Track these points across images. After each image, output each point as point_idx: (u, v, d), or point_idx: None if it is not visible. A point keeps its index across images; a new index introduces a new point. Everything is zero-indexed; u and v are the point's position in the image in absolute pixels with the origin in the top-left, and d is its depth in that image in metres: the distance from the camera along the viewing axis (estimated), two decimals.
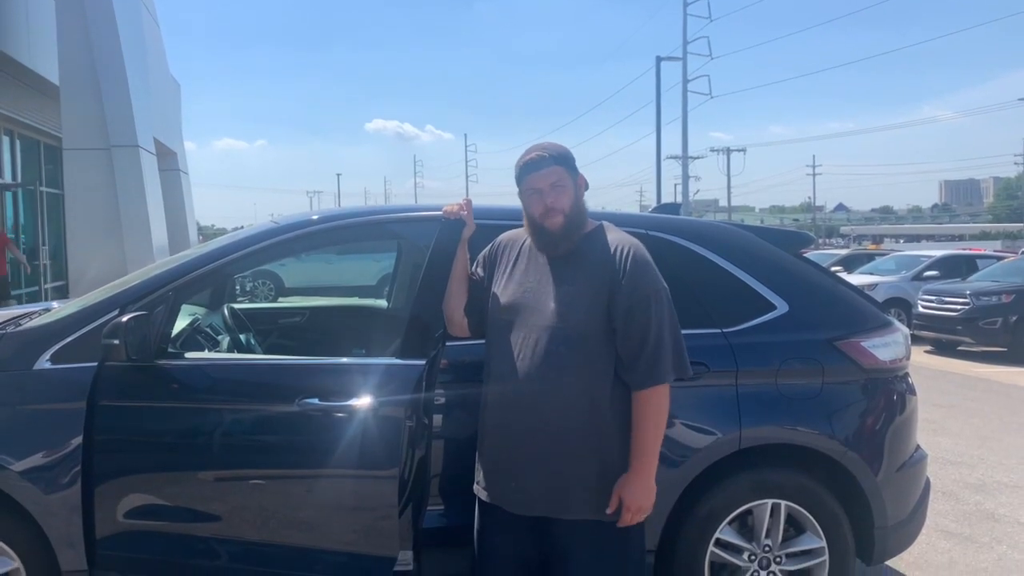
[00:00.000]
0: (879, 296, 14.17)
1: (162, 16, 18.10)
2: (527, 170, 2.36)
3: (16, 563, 2.68)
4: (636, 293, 2.27)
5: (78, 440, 2.62)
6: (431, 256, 2.68)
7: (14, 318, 3.31)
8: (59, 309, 3.14)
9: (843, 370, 3.11)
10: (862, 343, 3.15)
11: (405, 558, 2.78)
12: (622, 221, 3.14)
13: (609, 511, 2.29)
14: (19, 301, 12.89)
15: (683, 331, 2.95)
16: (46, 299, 13.99)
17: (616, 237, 2.39)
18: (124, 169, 11.63)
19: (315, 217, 3.10)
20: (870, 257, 18.76)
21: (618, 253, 2.32)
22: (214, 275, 2.96)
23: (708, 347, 3.02)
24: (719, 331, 3.07)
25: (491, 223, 2.73)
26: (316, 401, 2.58)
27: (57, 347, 2.73)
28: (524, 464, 2.31)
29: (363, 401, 2.57)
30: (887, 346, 3.21)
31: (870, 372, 3.15)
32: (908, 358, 3.33)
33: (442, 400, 2.85)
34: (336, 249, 17.11)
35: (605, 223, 2.45)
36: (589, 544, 2.31)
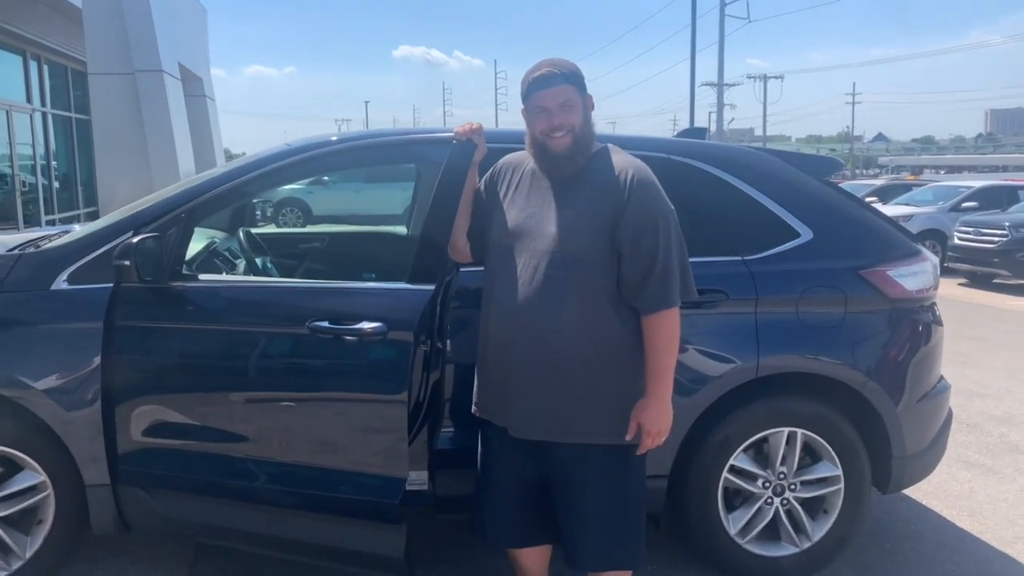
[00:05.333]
0: (914, 227, 13.81)
1: None
2: (536, 87, 2.27)
3: (42, 476, 2.76)
4: (642, 217, 2.21)
5: (97, 359, 2.67)
6: (441, 179, 2.62)
7: (34, 240, 3.34)
8: (77, 231, 3.15)
9: (867, 299, 3.04)
10: (888, 272, 3.06)
11: (420, 478, 2.83)
12: (641, 145, 3.08)
13: (628, 437, 2.28)
14: (54, 226, 13.08)
15: (703, 258, 2.94)
16: (81, 223, 14.17)
17: (621, 159, 2.31)
18: (149, 94, 11.59)
19: (334, 138, 3.05)
20: (907, 188, 18.27)
21: (623, 176, 2.25)
22: (228, 197, 2.93)
23: (728, 274, 2.97)
24: (739, 258, 3.00)
25: (505, 147, 2.65)
26: (326, 324, 2.58)
27: (73, 268, 2.75)
28: (524, 389, 2.30)
29: (372, 325, 2.55)
30: (914, 275, 3.12)
31: (895, 301, 3.08)
32: (936, 288, 3.25)
33: (456, 325, 2.84)
34: (364, 177, 17.18)
35: (610, 145, 2.37)
36: (589, 468, 2.32)
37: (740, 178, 3.10)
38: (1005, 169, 52.60)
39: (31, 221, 13.22)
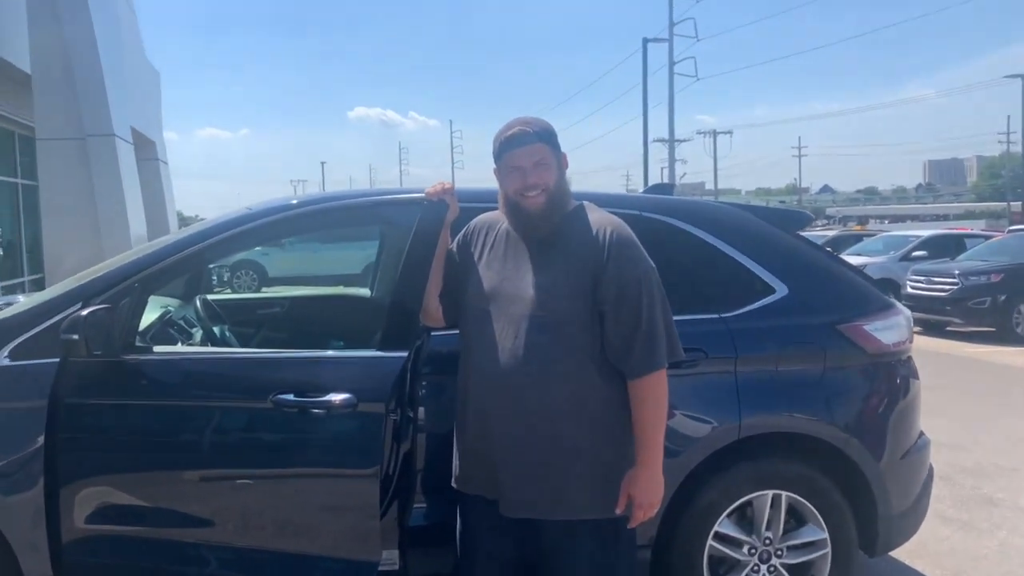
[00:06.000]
0: None
1: (138, 2, 17.74)
2: (509, 145, 2.20)
3: None
4: (624, 277, 2.13)
5: (40, 440, 2.47)
6: (412, 241, 2.51)
7: None
8: (21, 303, 2.97)
9: (845, 354, 3.00)
10: (864, 326, 3.03)
11: (391, 557, 2.65)
12: (615, 202, 3.01)
13: (618, 510, 2.17)
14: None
15: (680, 316, 2.86)
16: (26, 292, 13.72)
17: (598, 217, 2.24)
18: (100, 159, 11.33)
19: (294, 202, 2.93)
20: (858, 238, 18.75)
21: (600, 234, 2.17)
22: (183, 265, 2.78)
23: (706, 332, 2.90)
24: (717, 316, 2.94)
25: (478, 207, 2.56)
26: (291, 397, 2.43)
27: (16, 342, 2.57)
28: (508, 463, 2.18)
29: (340, 397, 2.41)
30: (890, 329, 3.09)
31: (873, 356, 3.04)
32: (911, 341, 3.23)
33: (427, 392, 2.71)
34: (320, 238, 17.04)
35: (586, 203, 2.30)
36: (578, 544, 2.20)
37: (713, 234, 3.06)
38: (946, 218, 54.56)
39: None
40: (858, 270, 3.32)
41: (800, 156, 75.63)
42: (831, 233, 21.61)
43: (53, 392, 2.49)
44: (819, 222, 65.52)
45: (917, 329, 12.31)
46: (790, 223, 3.28)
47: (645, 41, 29.57)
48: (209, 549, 2.51)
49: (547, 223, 2.20)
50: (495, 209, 2.37)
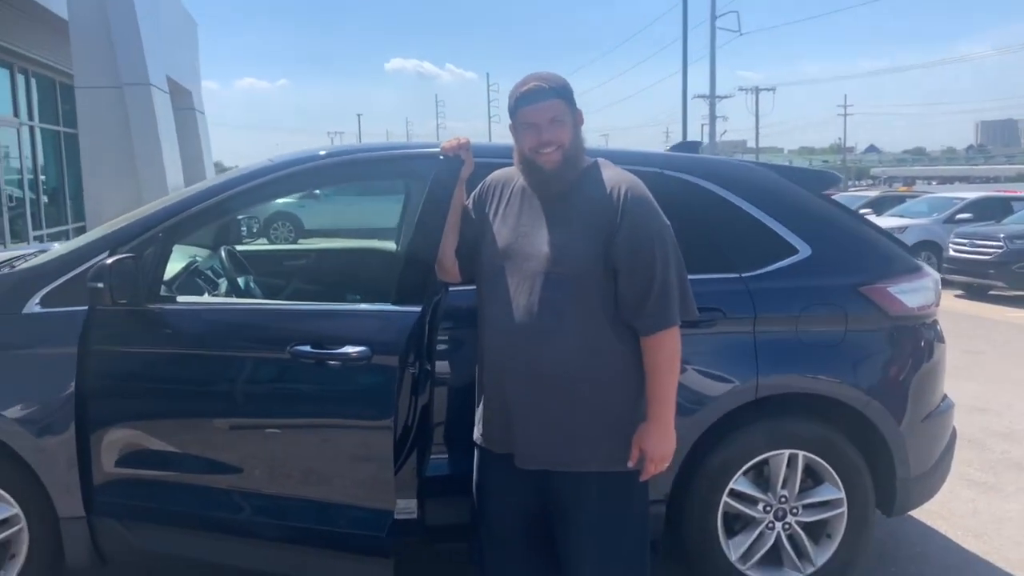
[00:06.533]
0: (909, 239, 13.79)
1: None
2: (524, 101, 2.17)
3: (15, 508, 2.65)
4: (638, 234, 2.12)
5: (70, 386, 2.56)
6: (427, 197, 2.52)
7: (8, 260, 3.23)
8: (54, 251, 3.05)
9: (868, 317, 2.95)
10: (888, 288, 2.98)
11: (409, 506, 2.72)
12: (637, 160, 2.99)
13: (631, 464, 2.19)
14: (43, 242, 12.97)
15: (699, 275, 2.85)
16: (70, 239, 14.04)
17: (612, 174, 2.22)
18: (136, 107, 11.47)
19: (322, 152, 2.95)
20: (901, 199, 18.26)
21: (614, 192, 2.15)
22: (208, 214, 2.82)
23: (725, 292, 2.88)
24: (737, 275, 2.91)
25: (494, 162, 2.55)
26: (308, 348, 2.47)
27: (47, 290, 2.64)
28: (523, 416, 2.21)
29: (356, 349, 2.45)
30: (915, 292, 3.04)
31: (896, 319, 2.99)
32: (937, 304, 3.17)
33: (445, 346, 2.74)
34: (357, 190, 17.14)
35: (600, 160, 2.27)
36: (591, 496, 2.22)
37: (736, 193, 3.01)
38: (996, 180, 52.82)
39: (19, 236, 13.08)
40: (885, 232, 3.24)
41: (845, 115, 73.77)
42: (872, 194, 21.05)
43: (82, 339, 2.57)
44: (863, 182, 64.01)
45: (959, 292, 12.23)
46: (816, 183, 3.21)
47: None
48: (231, 493, 2.59)
49: (561, 180, 2.19)
50: (511, 165, 2.35)
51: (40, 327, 2.62)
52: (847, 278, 2.97)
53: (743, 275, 2.92)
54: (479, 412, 2.37)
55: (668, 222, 2.19)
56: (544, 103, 2.16)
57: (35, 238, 13.37)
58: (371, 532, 2.47)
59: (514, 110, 2.21)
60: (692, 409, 2.81)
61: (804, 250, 2.98)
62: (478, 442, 2.38)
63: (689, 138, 30.16)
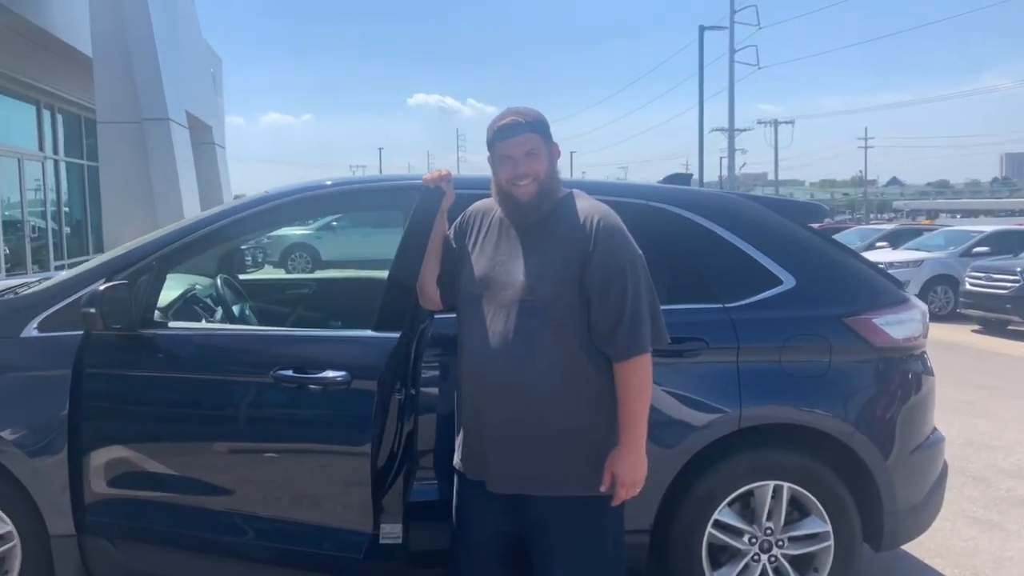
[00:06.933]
0: (924, 273, 13.74)
1: None
2: (501, 135, 2.25)
3: (9, 526, 2.73)
4: (610, 263, 2.17)
5: (64, 407, 2.64)
6: (408, 226, 2.62)
7: (14, 287, 3.33)
8: (54, 278, 3.14)
9: (852, 348, 2.96)
10: (873, 320, 2.99)
11: (394, 531, 2.75)
12: (624, 192, 3.07)
13: (603, 488, 2.21)
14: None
15: (683, 305, 2.89)
16: None
17: (585, 205, 2.28)
18: (155, 142, 11.79)
19: (329, 182, 3.04)
20: (918, 232, 18.14)
21: (587, 222, 2.21)
22: (199, 244, 2.92)
23: (708, 322, 2.91)
24: (720, 306, 2.94)
25: (475, 193, 2.62)
26: (290, 373, 2.54)
27: (44, 315, 2.74)
28: (499, 441, 2.24)
29: (336, 374, 2.52)
30: (901, 323, 3.05)
31: (882, 350, 3.00)
32: (925, 336, 3.17)
33: (431, 373, 2.78)
34: (372, 222, 17.30)
35: (575, 191, 2.34)
36: (564, 521, 2.24)
37: (720, 224, 3.05)
38: (1022, 213, 52.22)
39: (42, 265, 13.36)
40: (872, 264, 3.27)
41: (866, 147, 73.56)
42: (889, 227, 20.93)
43: (76, 362, 2.65)
44: (886, 215, 63.52)
45: (976, 328, 12.09)
46: (804, 216, 3.26)
47: (702, 29, 29.07)
48: (216, 514, 2.65)
49: (536, 211, 2.25)
50: (490, 196, 2.42)
51: (36, 350, 2.71)
52: (831, 309, 2.98)
53: (726, 305, 2.94)
54: (458, 438, 2.41)
55: (640, 252, 2.23)
56: (520, 137, 2.23)
57: (56, 267, 13.65)
58: (348, 554, 2.50)
59: (492, 143, 2.28)
60: (675, 438, 2.82)
61: (788, 281, 3.00)
62: (457, 467, 2.41)
63: (709, 171, 30.25)
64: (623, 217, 2.27)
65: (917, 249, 15.27)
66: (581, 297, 2.19)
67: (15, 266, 12.62)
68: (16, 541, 2.72)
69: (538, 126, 2.26)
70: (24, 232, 12.85)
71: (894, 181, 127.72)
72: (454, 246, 2.45)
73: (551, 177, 2.27)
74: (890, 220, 38.84)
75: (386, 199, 3.14)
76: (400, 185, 2.83)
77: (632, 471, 2.20)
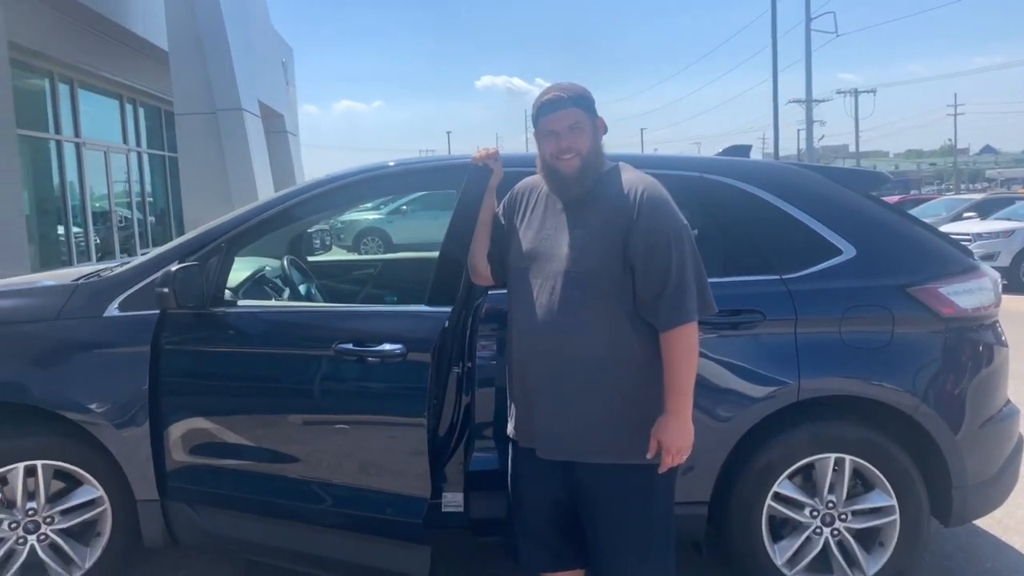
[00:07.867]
0: (1015, 243, 13.10)
1: None
2: (544, 110, 2.27)
3: (99, 491, 2.94)
4: (653, 234, 2.18)
5: (145, 382, 2.81)
6: (458, 205, 2.70)
7: (97, 271, 3.53)
8: (133, 261, 3.33)
9: (917, 318, 2.89)
10: (940, 289, 2.90)
11: (456, 499, 2.85)
12: (679, 165, 3.09)
13: (649, 455, 2.23)
14: None
15: (740, 278, 2.87)
16: None
17: (630, 177, 2.29)
18: (229, 132, 12.21)
19: (391, 164, 3.16)
20: (1010, 201, 17.24)
21: (631, 193, 2.22)
22: (265, 226, 3.06)
23: (765, 294, 2.88)
24: (777, 277, 2.90)
25: (523, 171, 2.66)
26: (350, 346, 2.67)
27: (124, 296, 2.92)
28: (547, 409, 2.29)
29: (392, 347, 2.64)
30: (970, 292, 2.95)
31: (949, 321, 2.91)
32: (997, 306, 3.06)
33: (488, 346, 2.85)
34: (442, 204, 17.54)
35: (621, 164, 2.35)
36: (612, 488, 2.28)
37: (777, 195, 3.01)
38: None
39: (129, 253, 14.03)
40: (939, 232, 3.16)
41: (956, 114, 70.13)
42: (978, 197, 19.97)
43: (154, 339, 2.82)
44: (978, 184, 60.44)
45: None
46: (863, 184, 3.18)
47: None
48: (285, 481, 2.80)
49: (580, 185, 2.27)
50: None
51: (118, 329, 2.89)
52: (894, 279, 2.91)
53: (784, 276, 2.91)
54: (511, 408, 2.47)
55: (685, 223, 2.23)
56: (563, 111, 2.25)
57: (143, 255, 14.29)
58: (409, 519, 2.61)
59: (536, 119, 2.31)
60: (732, 411, 2.82)
61: (848, 251, 2.94)
62: (511, 435, 2.47)
63: (786, 144, 29.39)
64: (679, 190, 2.28)
65: (1008, 219, 14.55)
66: (626, 268, 2.21)
67: (105, 254, 13.28)
68: (107, 506, 2.94)
69: (581, 101, 2.27)
70: (112, 222, 13.50)
71: (987, 149, 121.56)
72: (503, 223, 2.49)
73: (595, 151, 2.28)
74: (984, 190, 36.98)
75: (441, 178, 3.23)
76: (453, 164, 2.91)
77: (678, 438, 2.21)
